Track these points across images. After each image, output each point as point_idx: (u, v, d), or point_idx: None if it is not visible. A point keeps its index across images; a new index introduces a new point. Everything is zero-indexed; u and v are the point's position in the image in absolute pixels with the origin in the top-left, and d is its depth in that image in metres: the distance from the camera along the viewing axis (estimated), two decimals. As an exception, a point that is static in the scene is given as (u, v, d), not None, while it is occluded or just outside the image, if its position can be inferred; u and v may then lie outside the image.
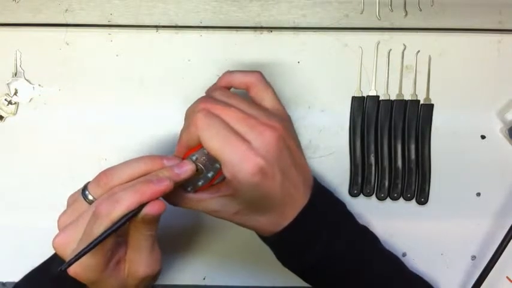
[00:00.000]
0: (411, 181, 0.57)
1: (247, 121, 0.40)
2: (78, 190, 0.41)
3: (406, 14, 0.55)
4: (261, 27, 0.57)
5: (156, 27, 0.57)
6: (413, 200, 0.57)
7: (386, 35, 0.57)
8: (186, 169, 0.41)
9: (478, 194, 0.58)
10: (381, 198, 0.57)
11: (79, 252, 0.36)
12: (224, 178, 0.41)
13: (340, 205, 0.49)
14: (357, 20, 0.56)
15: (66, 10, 0.55)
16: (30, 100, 0.57)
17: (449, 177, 0.57)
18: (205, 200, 0.43)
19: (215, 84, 0.46)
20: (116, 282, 0.40)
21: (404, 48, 0.57)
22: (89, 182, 0.41)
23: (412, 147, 0.57)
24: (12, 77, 0.57)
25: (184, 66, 0.57)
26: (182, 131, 0.42)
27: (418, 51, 0.57)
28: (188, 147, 0.42)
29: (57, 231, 0.40)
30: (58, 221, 0.41)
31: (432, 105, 0.57)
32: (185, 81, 0.57)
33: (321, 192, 0.46)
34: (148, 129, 0.57)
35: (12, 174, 0.57)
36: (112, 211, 0.37)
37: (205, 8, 0.55)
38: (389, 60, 0.57)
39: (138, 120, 0.57)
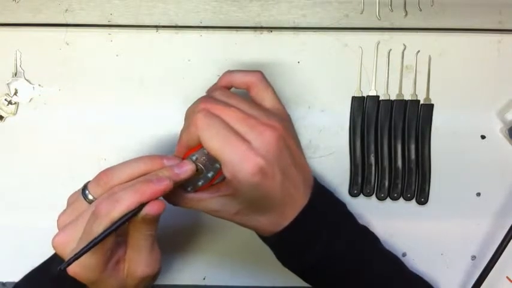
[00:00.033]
0: (411, 181, 0.57)
1: (247, 121, 0.40)
2: (78, 190, 0.42)
3: (406, 14, 0.55)
4: (261, 27, 0.57)
5: (156, 27, 0.57)
6: (413, 200, 0.57)
7: (386, 35, 0.57)
8: (186, 169, 0.41)
9: (478, 194, 0.58)
10: (380, 198, 0.57)
11: (78, 252, 0.36)
12: (224, 178, 0.41)
13: (340, 205, 0.49)
14: (357, 20, 0.56)
15: (66, 10, 0.55)
16: (30, 100, 0.57)
17: (449, 177, 0.57)
18: (206, 200, 0.43)
19: (215, 84, 0.46)
20: (115, 282, 0.40)
21: (404, 48, 0.57)
22: (88, 182, 0.41)
23: (412, 147, 0.57)
24: (12, 77, 0.57)
25: (184, 66, 0.57)
26: (182, 131, 0.42)
27: (418, 51, 0.57)
28: (188, 147, 0.42)
29: (57, 231, 0.40)
30: (58, 221, 0.41)
31: (432, 105, 0.57)
32: (185, 81, 0.57)
33: (321, 192, 0.46)
34: (148, 129, 0.57)
35: (12, 174, 0.57)
36: (112, 211, 0.37)
37: (205, 8, 0.55)
38: (389, 60, 0.57)
39: (138, 120, 0.57)
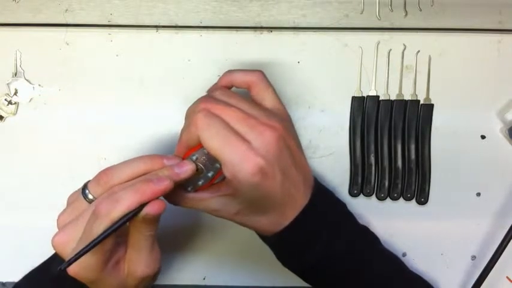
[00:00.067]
0: (411, 181, 0.57)
1: (247, 121, 0.40)
2: (78, 189, 0.41)
3: (406, 14, 0.55)
4: (261, 27, 0.57)
5: (156, 27, 0.57)
6: (413, 200, 0.57)
7: (386, 35, 0.57)
8: (186, 169, 0.41)
9: (478, 194, 0.58)
10: (381, 198, 0.57)
11: (79, 252, 0.36)
12: (224, 177, 0.41)
13: (341, 205, 0.49)
14: (357, 20, 0.56)
15: (66, 10, 0.55)
16: (30, 100, 0.57)
17: (449, 177, 0.57)
18: (206, 200, 0.43)
19: (216, 83, 0.46)
20: (115, 281, 0.40)
21: (404, 48, 0.57)
22: (88, 181, 0.41)
23: (412, 147, 0.57)
24: (12, 77, 0.57)
25: (184, 66, 0.57)
26: (182, 130, 0.42)
27: (418, 51, 0.57)
28: (188, 146, 0.42)
29: (57, 231, 0.40)
30: (58, 220, 0.41)
31: (432, 105, 0.57)
32: (185, 81, 0.57)
33: (321, 192, 0.46)
34: (148, 129, 0.57)
35: (12, 174, 0.57)
36: (112, 211, 0.37)
37: (205, 8, 0.55)
38: (389, 60, 0.57)
39: (138, 120, 0.57)
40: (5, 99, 0.57)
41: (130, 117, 0.57)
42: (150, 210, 0.38)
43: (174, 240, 0.57)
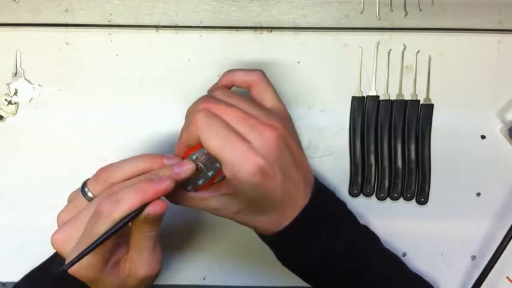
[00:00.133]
0: (411, 181, 0.57)
1: (247, 121, 0.40)
2: (79, 187, 0.41)
3: (406, 14, 0.55)
4: (261, 27, 0.57)
5: (156, 27, 0.57)
6: (413, 200, 0.57)
7: (386, 35, 0.57)
8: (186, 168, 0.41)
9: (478, 194, 0.58)
10: (381, 198, 0.57)
11: (81, 253, 0.36)
12: (224, 177, 0.41)
13: (341, 205, 0.49)
14: (357, 20, 0.56)
15: (66, 10, 0.55)
16: (30, 100, 0.57)
17: (449, 177, 0.57)
18: (206, 199, 0.43)
19: (216, 83, 0.46)
20: (115, 281, 0.40)
21: (404, 48, 0.57)
22: (88, 179, 0.41)
23: (412, 147, 0.57)
24: (12, 77, 0.57)
25: (184, 66, 0.57)
26: (182, 130, 0.42)
27: (418, 51, 0.57)
28: (188, 146, 0.42)
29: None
30: (57, 218, 0.41)
31: (432, 105, 0.57)
32: (185, 81, 0.57)
33: (321, 192, 0.46)
34: (149, 129, 0.57)
35: (12, 174, 0.57)
36: (114, 211, 0.37)
37: (205, 8, 0.55)
38: (389, 60, 0.57)
39: (138, 120, 0.57)
40: (5, 99, 0.57)
41: (130, 117, 0.57)
42: (152, 210, 0.38)
43: (174, 239, 0.57)
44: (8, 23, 0.56)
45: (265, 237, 0.46)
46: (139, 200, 0.37)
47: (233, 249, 0.57)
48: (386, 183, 0.57)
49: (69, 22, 0.56)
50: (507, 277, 0.57)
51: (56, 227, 0.40)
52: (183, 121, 0.43)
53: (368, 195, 0.57)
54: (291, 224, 0.43)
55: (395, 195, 0.57)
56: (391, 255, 0.51)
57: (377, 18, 0.55)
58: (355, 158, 0.57)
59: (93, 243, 0.36)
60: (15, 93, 0.57)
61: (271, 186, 0.40)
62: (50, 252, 0.44)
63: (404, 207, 0.57)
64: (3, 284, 0.57)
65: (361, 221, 0.50)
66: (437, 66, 0.57)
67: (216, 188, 0.43)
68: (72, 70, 0.57)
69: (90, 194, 0.40)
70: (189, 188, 0.43)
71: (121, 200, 0.37)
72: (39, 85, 0.57)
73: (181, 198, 0.43)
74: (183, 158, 0.42)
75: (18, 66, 0.57)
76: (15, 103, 0.57)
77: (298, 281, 0.48)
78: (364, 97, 0.57)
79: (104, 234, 0.36)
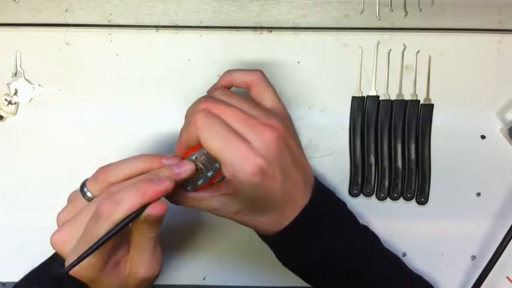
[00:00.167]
0: (411, 181, 0.57)
1: (247, 121, 0.40)
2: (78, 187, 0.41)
3: (406, 14, 0.55)
4: (261, 27, 0.57)
5: (156, 27, 0.57)
6: (413, 200, 0.57)
7: (386, 35, 0.57)
8: (186, 169, 0.41)
9: (478, 194, 0.58)
10: (381, 198, 0.57)
11: (81, 254, 0.36)
12: (224, 177, 0.41)
13: (341, 205, 0.49)
14: (357, 20, 0.56)
15: (66, 10, 0.55)
16: (30, 100, 0.57)
17: (449, 177, 0.57)
18: (206, 199, 0.43)
19: (216, 83, 0.46)
20: (115, 281, 0.40)
21: (404, 48, 0.57)
22: (87, 179, 0.41)
23: (412, 147, 0.57)
24: (12, 77, 0.57)
25: (184, 66, 0.57)
26: (182, 130, 0.42)
27: (418, 51, 0.57)
28: (188, 146, 0.42)
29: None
30: (57, 218, 0.41)
31: (432, 105, 0.57)
32: (185, 81, 0.57)
33: (321, 192, 0.46)
34: (148, 129, 0.57)
35: (12, 174, 0.57)
36: (114, 212, 0.37)
37: (205, 8, 0.55)
38: (389, 60, 0.57)
39: (138, 120, 0.57)
40: (5, 99, 0.57)
41: (130, 117, 0.57)
42: (152, 211, 0.38)
43: (174, 239, 0.57)
44: (8, 23, 0.56)
45: (266, 237, 0.46)
46: (139, 201, 0.37)
47: (233, 249, 0.57)
48: (386, 183, 0.57)
49: (69, 22, 0.56)
50: (507, 277, 0.57)
51: (56, 227, 0.40)
52: (183, 121, 0.43)
53: (368, 195, 0.57)
54: (291, 224, 0.43)
55: (395, 195, 0.57)
56: (391, 255, 0.51)
57: (377, 18, 0.55)
58: (355, 158, 0.57)
59: (93, 245, 0.36)
60: (15, 93, 0.57)
61: (271, 186, 0.40)
62: (50, 252, 0.44)
63: (404, 207, 0.57)
64: (3, 284, 0.57)
65: (361, 221, 0.50)
66: (437, 66, 0.57)
67: (216, 188, 0.43)
68: (72, 70, 0.57)
69: (89, 194, 0.40)
70: (189, 188, 0.43)
71: (121, 201, 0.37)
72: (39, 85, 0.57)
73: (181, 198, 0.43)
74: (183, 158, 0.42)
75: (18, 66, 0.57)
76: (15, 103, 0.57)
77: (298, 281, 0.48)
78: (364, 97, 0.57)
79: (104, 236, 0.36)
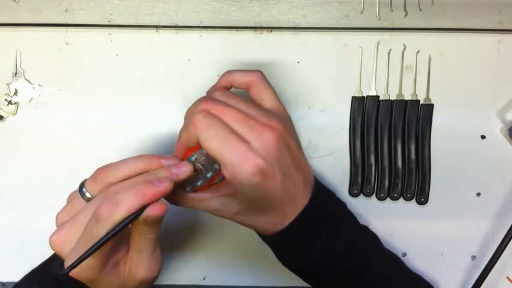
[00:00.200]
0: (411, 181, 0.57)
1: (246, 122, 0.40)
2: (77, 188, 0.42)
3: (406, 14, 0.55)
4: (261, 27, 0.57)
5: (156, 27, 0.57)
6: (413, 200, 0.57)
7: (386, 35, 0.57)
8: (184, 170, 0.41)
9: (478, 194, 0.58)
10: (381, 198, 0.57)
11: (81, 256, 0.36)
12: (223, 178, 0.41)
13: (341, 205, 0.49)
14: (357, 20, 0.56)
15: (66, 10, 0.55)
16: (30, 100, 0.57)
17: (449, 177, 0.57)
18: (206, 200, 0.43)
19: (215, 84, 0.46)
20: (115, 282, 0.40)
21: (404, 48, 0.57)
22: (85, 180, 0.41)
23: (412, 147, 0.57)
24: (12, 77, 0.57)
25: (184, 66, 0.57)
26: (181, 130, 0.42)
27: (418, 51, 0.57)
28: (187, 147, 0.42)
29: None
30: (56, 218, 0.41)
31: (432, 105, 0.57)
32: (185, 81, 0.57)
33: (321, 192, 0.46)
34: (148, 129, 0.57)
35: (12, 174, 0.57)
36: (113, 214, 0.36)
37: (205, 8, 0.55)
38: (389, 60, 0.57)
39: (138, 120, 0.57)
40: (5, 99, 0.57)
41: (130, 117, 0.57)
42: (151, 212, 0.38)
43: (174, 240, 0.57)
44: (8, 23, 0.56)
45: (266, 237, 0.46)
46: (138, 202, 0.37)
47: (233, 249, 0.57)
48: (386, 183, 0.57)
49: (69, 22, 0.56)
50: (507, 277, 0.57)
51: (56, 227, 0.40)
52: (183, 121, 0.43)
53: (368, 195, 0.57)
54: (291, 224, 0.43)
55: (395, 195, 0.57)
56: (391, 255, 0.51)
57: (377, 18, 0.55)
58: (355, 158, 0.57)
59: (92, 246, 0.36)
60: (15, 93, 0.57)
61: (271, 186, 0.40)
62: (50, 252, 0.43)
63: (404, 207, 0.57)
64: (3, 284, 0.57)
65: (361, 221, 0.50)
66: (437, 66, 0.57)
67: (216, 188, 0.43)
68: (72, 70, 0.57)
69: (88, 195, 0.40)
70: (188, 189, 0.43)
71: (120, 202, 0.37)
72: (39, 85, 0.57)
73: (180, 199, 0.43)
74: (182, 159, 0.42)
75: (18, 66, 0.57)
76: (15, 103, 0.57)
77: (298, 281, 0.48)
78: (364, 97, 0.57)
79: (103, 237, 0.36)
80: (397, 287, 0.49)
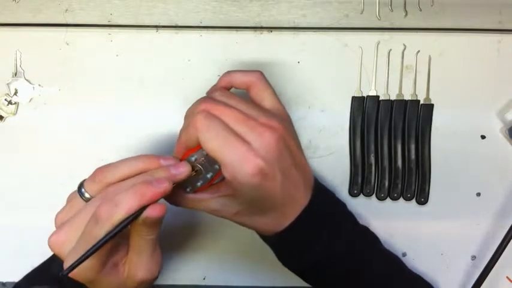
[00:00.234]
0: (411, 181, 0.57)
1: (247, 122, 0.40)
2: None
3: (406, 14, 0.55)
4: (261, 27, 0.57)
5: (156, 27, 0.57)
6: (413, 200, 0.57)
7: (386, 35, 0.57)
8: (183, 170, 0.41)
9: (478, 194, 0.58)
10: (381, 198, 0.57)
11: (80, 257, 0.36)
12: (223, 178, 0.41)
13: (341, 205, 0.49)
14: (357, 20, 0.56)
15: (66, 10, 0.55)
16: (30, 100, 0.57)
17: (449, 177, 0.57)
18: (206, 200, 0.43)
19: (215, 84, 0.46)
20: (114, 282, 0.40)
21: (404, 48, 0.57)
22: (84, 180, 0.41)
23: (412, 147, 0.57)
24: (12, 77, 0.57)
25: (184, 66, 0.57)
26: (181, 131, 0.42)
27: (418, 51, 0.57)
28: (187, 147, 0.42)
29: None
30: (55, 218, 0.41)
31: (432, 105, 0.57)
32: (185, 82, 0.57)
33: (321, 193, 0.46)
34: (148, 129, 0.57)
35: (12, 174, 0.57)
36: (113, 215, 0.36)
37: (205, 8, 0.55)
38: (389, 60, 0.57)
39: (138, 120, 0.57)
40: (5, 99, 0.57)
41: (130, 117, 0.57)
42: (150, 213, 0.37)
43: (174, 240, 0.57)
44: (8, 23, 0.56)
45: (266, 237, 0.46)
46: (137, 204, 0.37)
47: (233, 249, 0.57)
48: (386, 183, 0.57)
49: (69, 22, 0.56)
50: (507, 277, 0.57)
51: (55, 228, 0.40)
52: (183, 122, 0.43)
53: (368, 195, 0.57)
54: (291, 225, 0.43)
55: (395, 195, 0.57)
56: (391, 256, 0.51)
57: (377, 18, 0.55)
58: (355, 158, 0.57)
59: (92, 247, 0.36)
60: (15, 93, 0.57)
61: (271, 187, 0.40)
62: (50, 252, 0.43)
63: (404, 207, 0.57)
64: (3, 284, 0.57)
65: (361, 221, 0.50)
66: (437, 66, 0.57)
67: (216, 189, 0.43)
68: (72, 70, 0.57)
69: (87, 195, 0.40)
70: (188, 189, 0.43)
71: (119, 203, 0.37)
72: (39, 85, 0.57)
73: (180, 199, 0.43)
74: (182, 159, 0.42)
75: (18, 66, 0.57)
76: (15, 103, 0.57)
77: (298, 281, 0.48)
78: (364, 97, 0.57)
79: (103, 238, 0.36)
80: (397, 287, 0.49)
